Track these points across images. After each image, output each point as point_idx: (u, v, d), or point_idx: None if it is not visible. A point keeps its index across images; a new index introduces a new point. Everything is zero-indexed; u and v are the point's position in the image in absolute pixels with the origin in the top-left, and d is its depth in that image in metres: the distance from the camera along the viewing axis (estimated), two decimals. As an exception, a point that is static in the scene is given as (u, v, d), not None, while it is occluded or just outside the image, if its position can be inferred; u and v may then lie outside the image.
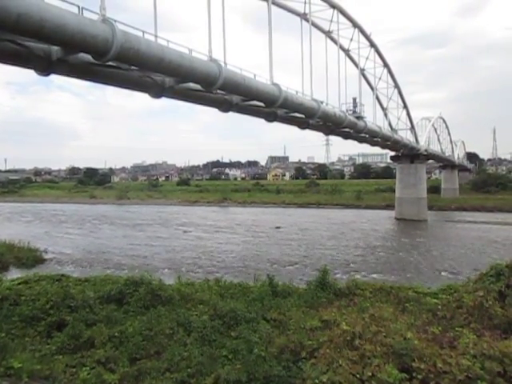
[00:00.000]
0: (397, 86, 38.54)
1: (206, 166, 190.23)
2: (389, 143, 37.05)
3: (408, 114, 42.35)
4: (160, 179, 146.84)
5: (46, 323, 9.34)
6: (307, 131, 25.74)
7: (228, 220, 41.76)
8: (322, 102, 21.92)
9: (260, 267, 19.53)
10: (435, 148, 57.18)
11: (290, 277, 15.67)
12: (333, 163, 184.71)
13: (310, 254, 23.05)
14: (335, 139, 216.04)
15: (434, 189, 62.36)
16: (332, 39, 27.26)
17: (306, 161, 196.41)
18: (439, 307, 9.85)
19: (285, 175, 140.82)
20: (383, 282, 13.36)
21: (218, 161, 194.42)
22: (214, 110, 17.89)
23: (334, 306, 10.36)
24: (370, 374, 6.34)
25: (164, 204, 65.29)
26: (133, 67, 12.03)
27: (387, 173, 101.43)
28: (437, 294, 11.31)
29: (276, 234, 31.56)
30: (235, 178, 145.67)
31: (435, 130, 59.34)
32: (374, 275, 17.73)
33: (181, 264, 20.51)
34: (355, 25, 28.87)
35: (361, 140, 33.36)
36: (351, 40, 29.88)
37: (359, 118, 27.91)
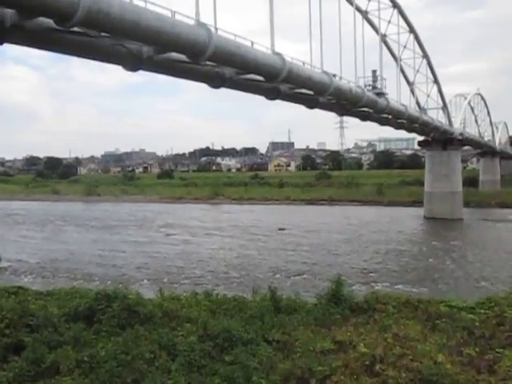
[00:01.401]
0: (425, 55, 38.50)
1: (192, 154, 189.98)
2: (416, 125, 37.08)
3: (439, 90, 42.36)
4: (137, 171, 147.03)
5: (0, 345, 9.39)
6: (317, 111, 25.72)
7: (220, 220, 41.86)
8: (334, 76, 21.90)
9: (260, 277, 19.63)
10: (472, 131, 57.33)
11: (296, 289, 15.73)
12: (348, 150, 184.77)
13: (321, 261, 23.15)
14: (351, 121, 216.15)
15: (470, 181, 62.49)
16: (347, -2, 27.18)
17: (315, 147, 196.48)
18: (476, 324, 9.93)
19: (289, 165, 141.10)
20: (409, 294, 13.44)
21: (207, 148, 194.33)
22: (203, 86, 17.86)
23: (350, 323, 10.42)
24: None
25: (142, 201, 65.42)
26: (103, 34, 11.98)
27: (414, 162, 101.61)
28: (474, 308, 11.39)
29: (279, 237, 31.66)
30: (229, 169, 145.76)
31: (472, 109, 59.39)
32: (399, 286, 17.84)
33: (163, 274, 20.59)
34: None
35: (382, 122, 33.37)
36: (370, -1, 29.87)
37: (380, 94, 27.89)
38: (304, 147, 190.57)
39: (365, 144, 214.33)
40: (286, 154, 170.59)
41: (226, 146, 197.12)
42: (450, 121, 44.50)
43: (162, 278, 19.92)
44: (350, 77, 25.52)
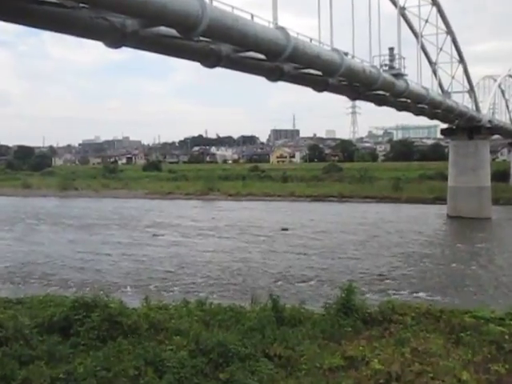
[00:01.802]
0: (450, 31, 38.40)
1: (183, 143, 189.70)
2: (439, 111, 37.05)
3: (465, 70, 42.29)
4: (120, 162, 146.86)
5: (-37, 361, 9.38)
6: (326, 95, 25.71)
7: (215, 219, 41.93)
8: (346, 54, 21.83)
9: (260, 284, 19.67)
10: (502, 118, 57.25)
11: (301, 297, 15.77)
12: (361, 139, 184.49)
13: (330, 265, 23.22)
14: (365, 106, 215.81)
15: (500, 175, 62.25)
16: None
17: (323, 136, 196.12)
18: (506, 338, 9.95)
19: (294, 156, 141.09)
20: (430, 303, 13.46)
21: (200, 136, 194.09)
22: (196, 66, 17.79)
23: (363, 337, 10.45)
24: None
25: (126, 197, 65.51)
26: (81, 4, 11.90)
27: (436, 153, 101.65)
28: (503, 319, 11.42)
29: (282, 238, 31.73)
30: (225, 161, 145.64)
31: (503, 92, 59.21)
32: (418, 295, 17.91)
33: (149, 280, 20.63)
34: None
35: (400, 107, 33.33)
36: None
37: (398, 75, 27.84)
38: (311, 136, 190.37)
39: (380, 132, 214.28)
40: (289, 144, 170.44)
41: (222, 134, 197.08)
42: (477, 106, 44.47)
43: (148, 284, 19.94)
44: (364, 55, 25.49)
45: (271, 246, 28.62)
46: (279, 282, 20.13)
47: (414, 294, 17.91)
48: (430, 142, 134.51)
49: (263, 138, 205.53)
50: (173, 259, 24.96)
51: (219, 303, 13.12)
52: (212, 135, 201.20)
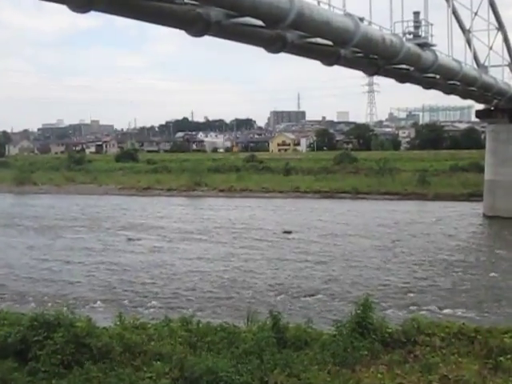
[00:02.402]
0: (488, -9, 38.34)
1: (164, 128, 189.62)
2: (473, 89, 37.06)
3: (506, 40, 42.26)
4: (87, 151, 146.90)
5: None
6: (337, 70, 25.63)
7: (203, 220, 42.00)
8: (361, 20, 21.74)
9: (257, 299, 19.72)
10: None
11: (307, 314, 15.81)
12: (380, 123, 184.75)
13: (342, 276, 23.30)
14: (384, 83, 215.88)
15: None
16: None
17: (334, 119, 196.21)
18: (555, 363, 9.95)
19: (299, 144, 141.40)
20: (463, 321, 13.47)
21: (185, 120, 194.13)
22: (180, 34, 17.71)
23: (382, 362, 10.45)
24: None
25: (95, 193, 65.56)
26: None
27: (471, 139, 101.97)
28: (552, 341, 11.43)
29: (284, 243, 31.84)
30: (215, 149, 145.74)
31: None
32: (448, 311, 17.94)
33: (124, 293, 20.68)
34: None
35: (427, 84, 33.29)
36: None
37: (425, 46, 27.77)
38: (319, 119, 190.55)
39: (403, 115, 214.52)
40: (293, 129, 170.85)
41: (211, 117, 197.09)
42: (520, 83, 44.43)
43: (122, 298, 19.97)
44: (384, 22, 25.33)
45: (271, 253, 28.67)
46: (281, 296, 20.16)
47: (444, 311, 17.94)
48: (462, 126, 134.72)
49: (261, 122, 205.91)
50: (152, 269, 24.99)
51: (208, 322, 13.11)
52: (199, 118, 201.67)
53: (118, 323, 12.81)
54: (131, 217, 44.39)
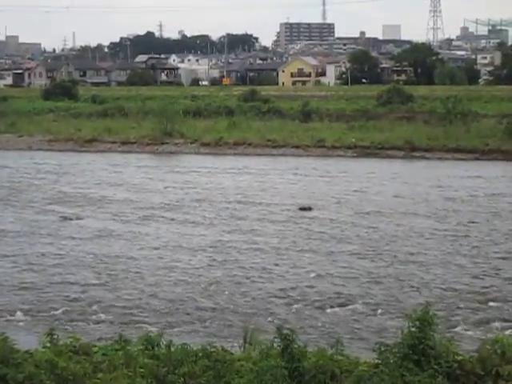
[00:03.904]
0: None
1: (118, 48, 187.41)
2: None
3: None
4: (1, 82, 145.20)
5: None
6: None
7: (177, 189, 41.89)
8: None
9: (258, 309, 19.72)
10: None
11: (334, 333, 15.81)
12: (449, 43, 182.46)
13: (386, 276, 23.24)
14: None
15: None
16: None
17: (379, 37, 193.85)
18: None
19: (324, 74, 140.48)
20: None
21: (150, 36, 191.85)
22: None
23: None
24: None
25: (13, 148, 65.78)
26: None
27: None
28: None
29: (300, 225, 31.74)
30: (195, 82, 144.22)
31: None
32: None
33: (56, 301, 20.68)
34: None
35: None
36: None
37: None
38: (355, 35, 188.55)
39: (483, 30, 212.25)
40: (316, 51, 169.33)
41: (190, 33, 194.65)
42: None
43: (53, 307, 19.95)
44: None
45: (280, 241, 28.58)
46: (294, 306, 20.12)
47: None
48: None
49: (267, 40, 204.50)
50: (99, 264, 24.95)
51: (184, 344, 13.07)
52: (172, 34, 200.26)
53: (49, 345, 12.84)
54: (67, 184, 44.36)
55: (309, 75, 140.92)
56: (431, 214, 33.81)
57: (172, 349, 12.89)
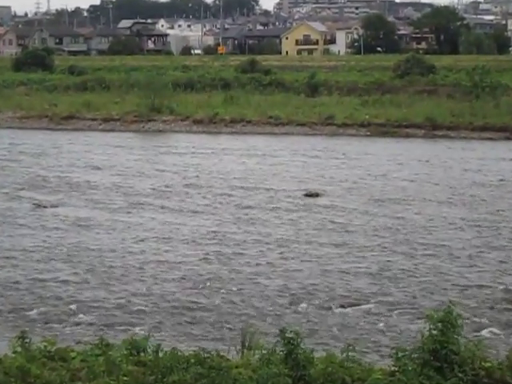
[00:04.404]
0: None
1: (99, 12, 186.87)
2: None
3: None
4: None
5: None
6: None
7: (166, 173, 41.90)
8: None
9: (258, 309, 19.77)
10: None
11: (345, 337, 15.85)
12: (475, 6, 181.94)
13: (405, 271, 23.29)
14: None
15: None
16: None
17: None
18: None
19: (334, 41, 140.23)
20: None
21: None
22: None
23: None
24: None
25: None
26: None
27: None
28: None
29: (306, 213, 31.82)
30: (187, 50, 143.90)
31: None
32: None
33: (29, 299, 20.70)
34: None
35: None
36: None
37: None
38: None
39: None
40: (323, 14, 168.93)
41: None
42: None
43: (25, 307, 19.96)
44: None
45: (283, 232, 28.64)
46: (299, 306, 20.16)
47: None
48: None
49: (268, 3, 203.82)
50: (77, 257, 25.00)
51: (174, 349, 13.14)
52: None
53: (20, 350, 12.86)
54: (41, 167, 44.39)
55: (316, 43, 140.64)
56: (457, 202, 33.89)
57: (160, 354, 12.91)
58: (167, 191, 36.68)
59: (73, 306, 20.09)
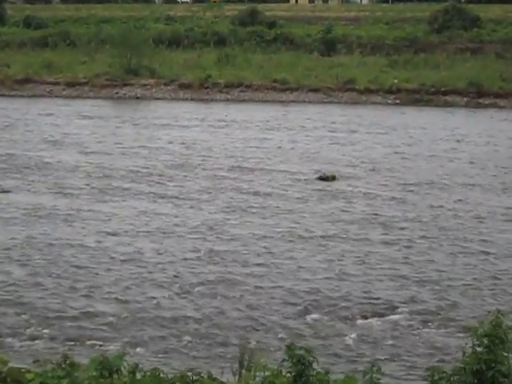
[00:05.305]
0: None
1: None
2: None
3: None
4: None
5: None
6: None
7: (145, 149, 41.88)
8: None
9: (259, 321, 19.78)
10: None
11: (368, 355, 15.85)
12: None
13: (442, 273, 23.35)
14: None
15: None
16: None
17: None
18: None
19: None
20: None
21: None
22: None
23: None
24: None
25: None
26: None
27: None
28: None
29: (318, 201, 31.94)
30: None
31: None
32: None
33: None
34: None
35: None
36: None
37: None
38: None
39: None
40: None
41: None
42: None
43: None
44: None
45: (289, 223, 28.75)
46: (312, 316, 20.20)
47: None
48: None
49: None
50: (38, 255, 25.00)
51: (155, 369, 13.19)
52: None
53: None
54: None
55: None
56: (505, 187, 34.01)
57: (138, 376, 12.96)
58: (146, 173, 36.66)
59: (27, 316, 20.04)
